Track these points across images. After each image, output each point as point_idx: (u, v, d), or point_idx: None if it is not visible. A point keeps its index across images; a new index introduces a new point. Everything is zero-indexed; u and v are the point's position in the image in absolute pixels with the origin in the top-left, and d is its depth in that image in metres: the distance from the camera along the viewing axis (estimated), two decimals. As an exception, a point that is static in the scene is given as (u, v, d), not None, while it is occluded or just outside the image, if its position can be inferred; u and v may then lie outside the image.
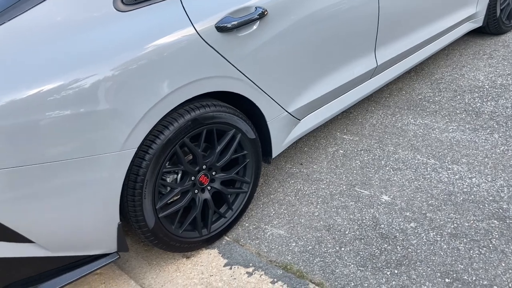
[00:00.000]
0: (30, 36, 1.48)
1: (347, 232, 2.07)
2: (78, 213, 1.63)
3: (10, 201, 1.50)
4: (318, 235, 2.08)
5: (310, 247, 2.02)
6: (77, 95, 1.50)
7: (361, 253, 1.95)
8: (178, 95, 1.72)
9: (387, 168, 2.43)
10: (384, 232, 2.04)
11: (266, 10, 1.91)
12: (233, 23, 1.82)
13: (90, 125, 1.55)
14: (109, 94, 1.56)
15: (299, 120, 2.31)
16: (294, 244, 2.05)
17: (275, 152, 2.24)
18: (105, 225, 1.71)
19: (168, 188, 1.89)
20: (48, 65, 1.47)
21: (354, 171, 2.44)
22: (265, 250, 2.04)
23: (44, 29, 1.51)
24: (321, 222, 2.15)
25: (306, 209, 2.24)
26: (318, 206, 2.24)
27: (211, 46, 1.78)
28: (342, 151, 2.62)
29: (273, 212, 2.25)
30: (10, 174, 1.46)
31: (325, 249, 2.00)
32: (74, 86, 1.49)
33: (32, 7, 1.50)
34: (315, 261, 1.95)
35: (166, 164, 1.80)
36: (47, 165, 1.51)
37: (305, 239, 2.07)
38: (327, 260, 1.94)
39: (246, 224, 2.20)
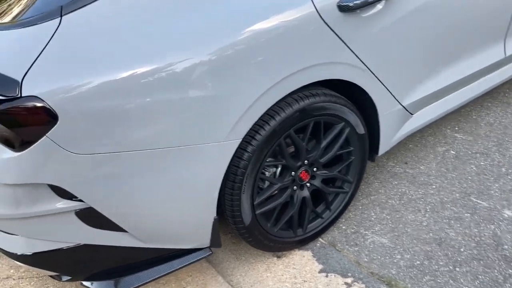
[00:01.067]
0: (129, 13, 1.35)
1: (462, 250, 1.80)
2: (174, 204, 1.50)
3: (105, 189, 1.39)
4: (428, 249, 1.83)
5: (418, 262, 1.78)
6: (182, 79, 1.34)
7: (480, 277, 1.69)
8: (291, 82, 1.52)
9: (509, 177, 2.10)
10: (508, 254, 1.75)
11: (393, -12, 1.64)
12: (356, 2, 1.57)
13: (196, 113, 1.39)
14: (218, 78, 1.39)
15: (412, 114, 2.04)
16: (399, 257, 1.82)
17: (382, 149, 1.99)
18: (201, 218, 1.58)
19: (267, 183, 1.72)
20: (154, 44, 1.33)
21: (469, 177, 2.14)
22: (365, 259, 1.83)
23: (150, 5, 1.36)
24: (431, 234, 1.89)
25: (413, 216, 1.99)
26: (427, 215, 1.98)
27: (330, 28, 1.55)
28: (453, 152, 2.32)
29: (374, 217, 2.02)
30: (103, 160, 1.34)
31: (436, 266, 1.75)
32: (176, 68, 1.33)
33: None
34: (424, 280, 1.71)
35: (268, 158, 1.63)
36: (144, 152, 1.38)
37: (412, 252, 1.83)
38: (439, 280, 1.70)
39: (344, 227, 1.99)
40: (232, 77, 1.41)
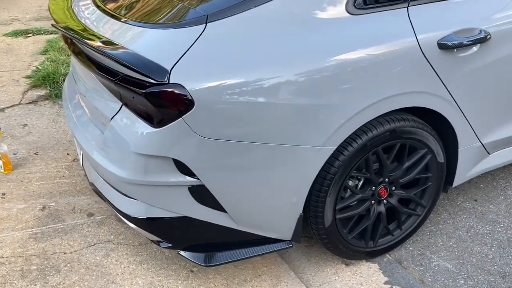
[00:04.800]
0: (259, 27, 1.60)
1: (526, 286, 1.89)
2: (270, 195, 1.72)
3: (218, 170, 1.63)
4: (491, 279, 1.93)
5: (481, 290, 1.89)
6: (295, 87, 1.58)
7: (542, 312, 1.77)
8: (387, 104, 1.72)
9: None
10: None
11: (489, 35, 1.82)
12: (454, 42, 1.76)
13: (302, 117, 1.61)
14: (327, 90, 1.61)
15: (489, 154, 2.16)
16: (462, 282, 1.93)
17: (457, 182, 2.13)
18: (288, 212, 1.78)
19: (349, 192, 1.90)
20: (274, 55, 1.58)
21: (539, 222, 2.22)
22: (429, 279, 1.95)
23: (274, 22, 1.61)
24: (495, 267, 1.99)
25: (479, 248, 2.09)
26: (493, 249, 2.08)
27: (428, 61, 1.74)
28: (524, 197, 2.40)
29: (441, 243, 2.14)
30: (221, 146, 1.58)
31: (499, 296, 1.85)
32: (294, 78, 1.57)
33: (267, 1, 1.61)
34: (486, 306, 1.81)
35: (355, 169, 1.82)
36: (254, 144, 1.61)
37: (475, 279, 1.93)
38: (500, 309, 1.79)
39: (411, 248, 2.12)
40: (340, 90, 1.63)
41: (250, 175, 1.67)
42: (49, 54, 4.15)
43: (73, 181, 2.52)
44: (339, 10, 1.65)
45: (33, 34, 4.92)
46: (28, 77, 3.74)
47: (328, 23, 1.64)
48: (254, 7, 1.60)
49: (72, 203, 2.34)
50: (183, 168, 1.62)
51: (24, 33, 4.91)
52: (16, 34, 4.86)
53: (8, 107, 3.31)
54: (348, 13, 1.66)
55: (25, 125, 3.08)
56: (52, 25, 1.74)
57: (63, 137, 2.95)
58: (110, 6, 1.94)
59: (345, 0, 1.65)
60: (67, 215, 2.26)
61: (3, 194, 2.38)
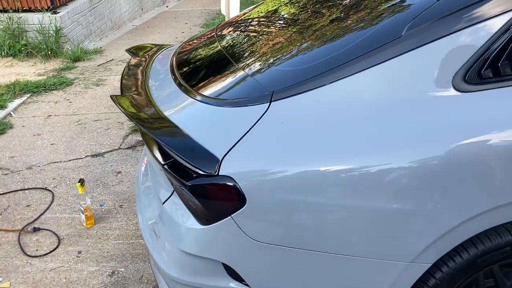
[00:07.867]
0: (336, 107, 1.28)
1: None
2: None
3: (275, 281, 1.34)
4: None
5: None
6: (386, 185, 1.22)
7: None
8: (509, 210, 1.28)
9: None
10: None
11: None
12: None
13: (391, 225, 1.25)
14: (429, 190, 1.22)
15: None
16: None
17: None
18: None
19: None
20: (356, 143, 1.24)
21: None
22: None
23: (353, 102, 1.28)
24: None
25: None
26: None
27: None
28: None
29: None
30: (278, 253, 1.29)
31: None
32: (384, 173, 1.21)
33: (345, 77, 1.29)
34: None
35: (460, 291, 1.38)
36: (322, 255, 1.28)
37: None
38: None
39: None
40: (434, 193, 1.23)
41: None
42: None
43: (148, 242, 2.40)
44: (444, 87, 1.26)
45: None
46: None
47: (432, 103, 1.26)
48: (330, 82, 1.29)
49: (141, 270, 2.21)
50: (233, 273, 1.35)
51: (141, 72, 5.14)
52: (134, 73, 5.11)
53: (107, 152, 3.38)
54: (457, 90, 1.26)
55: (119, 172, 3.10)
56: (111, 97, 1.62)
57: (150, 188, 2.88)
58: (182, 73, 1.74)
59: (451, 74, 1.26)
60: (133, 285, 2.12)
61: (79, 252, 2.34)
